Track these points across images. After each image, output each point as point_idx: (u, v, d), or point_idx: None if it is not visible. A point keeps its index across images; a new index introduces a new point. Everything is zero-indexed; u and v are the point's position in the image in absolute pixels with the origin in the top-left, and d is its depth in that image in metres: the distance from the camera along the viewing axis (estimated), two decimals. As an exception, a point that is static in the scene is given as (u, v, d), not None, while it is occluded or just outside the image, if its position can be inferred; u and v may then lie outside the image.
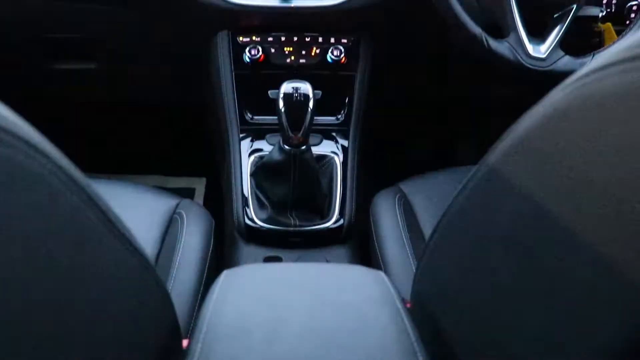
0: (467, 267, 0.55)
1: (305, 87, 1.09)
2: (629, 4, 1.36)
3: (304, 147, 1.11)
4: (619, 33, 1.21)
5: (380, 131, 1.71)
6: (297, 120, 1.08)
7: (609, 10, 1.36)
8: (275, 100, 1.10)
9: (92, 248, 0.44)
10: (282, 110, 1.09)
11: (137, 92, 1.63)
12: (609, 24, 1.31)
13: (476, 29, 1.09)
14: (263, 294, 0.60)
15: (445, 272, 0.60)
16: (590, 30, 1.30)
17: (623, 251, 0.34)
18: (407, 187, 1.20)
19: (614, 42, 1.16)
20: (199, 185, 1.90)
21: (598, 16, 1.27)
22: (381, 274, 0.67)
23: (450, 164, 1.42)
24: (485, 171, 0.50)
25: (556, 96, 0.41)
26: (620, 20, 1.37)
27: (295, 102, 1.08)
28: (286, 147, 1.11)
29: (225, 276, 0.65)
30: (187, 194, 1.88)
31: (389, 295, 0.62)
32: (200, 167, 1.89)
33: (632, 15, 1.36)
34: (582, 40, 1.28)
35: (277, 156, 1.14)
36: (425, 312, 0.63)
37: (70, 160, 0.39)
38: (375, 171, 1.60)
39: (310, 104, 1.08)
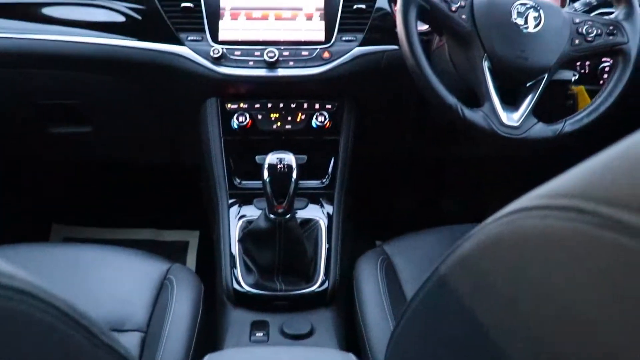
0: (425, 357, 0.59)
1: (289, 158, 1.14)
2: (601, 66, 1.41)
3: (288, 216, 1.16)
4: (594, 92, 1.24)
5: (366, 187, 1.76)
6: (281, 190, 1.13)
7: (582, 71, 1.41)
8: (261, 170, 1.15)
9: None
10: (267, 180, 1.13)
11: (131, 153, 1.68)
12: (581, 87, 1.36)
13: (452, 100, 1.13)
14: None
15: (408, 358, 0.64)
16: (564, 93, 1.35)
17: None
18: (390, 248, 1.24)
19: (586, 107, 1.20)
20: (193, 239, 1.94)
21: (571, 80, 1.32)
22: (352, 357, 0.70)
23: (435, 218, 1.46)
24: (436, 280, 0.54)
25: (490, 226, 0.45)
26: (595, 81, 1.42)
27: (280, 172, 1.13)
28: (271, 215, 1.16)
29: None
30: (180, 247, 1.93)
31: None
32: (194, 220, 1.93)
33: (605, 75, 1.41)
34: (556, 103, 1.33)
35: (262, 224, 1.18)
36: None
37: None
38: (361, 227, 1.64)
39: (294, 175, 1.13)
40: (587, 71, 1.42)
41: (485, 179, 1.95)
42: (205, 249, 1.88)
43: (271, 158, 1.14)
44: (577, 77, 1.32)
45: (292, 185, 1.13)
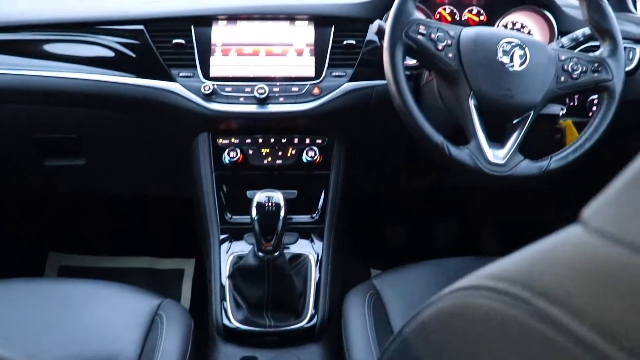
0: None
1: (277, 197, 1.15)
2: (590, 98, 1.42)
3: (277, 253, 1.17)
4: (583, 125, 1.25)
5: (357, 218, 1.76)
6: (269, 229, 1.15)
7: (571, 104, 1.42)
8: (249, 208, 1.16)
9: None
10: (255, 218, 1.15)
11: (125, 186, 1.70)
12: (569, 121, 1.36)
13: (437, 138, 1.13)
14: None
15: None
16: (551, 127, 1.35)
17: None
18: (379, 282, 1.25)
19: (572, 144, 1.20)
20: (188, 266, 1.96)
21: (558, 114, 1.32)
22: None
23: (428, 247, 1.47)
24: (401, 340, 0.55)
25: (446, 297, 0.46)
26: (583, 113, 1.43)
27: (268, 211, 1.14)
28: (260, 253, 1.17)
29: None
30: (176, 275, 1.94)
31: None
32: (189, 248, 1.95)
33: (594, 108, 1.42)
34: (544, 137, 1.34)
35: (252, 261, 1.19)
36: None
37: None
38: (356, 256, 1.65)
39: (282, 213, 1.14)
40: (575, 104, 1.43)
41: (476, 208, 1.96)
42: (200, 278, 1.89)
43: (259, 196, 1.15)
44: (564, 111, 1.32)
45: (280, 224, 1.14)
